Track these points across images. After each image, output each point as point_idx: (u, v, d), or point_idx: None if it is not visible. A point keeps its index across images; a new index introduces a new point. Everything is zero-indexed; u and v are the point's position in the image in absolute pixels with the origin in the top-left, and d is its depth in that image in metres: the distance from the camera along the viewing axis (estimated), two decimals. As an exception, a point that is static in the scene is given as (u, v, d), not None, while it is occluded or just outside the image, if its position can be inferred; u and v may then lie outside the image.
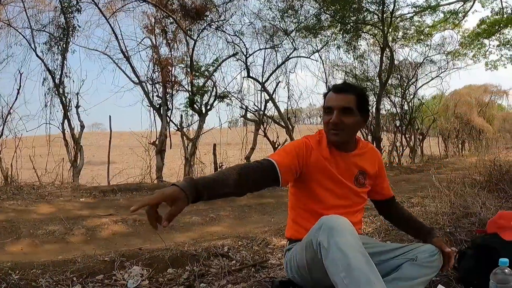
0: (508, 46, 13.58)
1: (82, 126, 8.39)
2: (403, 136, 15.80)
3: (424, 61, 15.00)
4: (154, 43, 8.99)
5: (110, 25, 8.49)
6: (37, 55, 8.15)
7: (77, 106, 8.41)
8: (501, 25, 12.69)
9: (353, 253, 1.36)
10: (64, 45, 8.43)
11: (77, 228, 4.39)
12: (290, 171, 1.65)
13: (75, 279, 2.05)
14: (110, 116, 9.07)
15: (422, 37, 13.68)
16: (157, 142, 8.77)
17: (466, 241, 2.66)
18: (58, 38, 8.44)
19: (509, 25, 12.56)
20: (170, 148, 9.17)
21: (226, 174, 1.44)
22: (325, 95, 1.81)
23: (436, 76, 15.79)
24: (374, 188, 1.95)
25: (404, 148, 15.97)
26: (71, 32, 8.43)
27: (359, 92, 1.78)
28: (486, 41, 13.95)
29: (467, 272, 1.94)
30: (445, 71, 15.61)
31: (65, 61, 8.35)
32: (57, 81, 8.26)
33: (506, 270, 1.41)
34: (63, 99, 8.27)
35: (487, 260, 1.69)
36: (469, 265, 1.94)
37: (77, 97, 8.44)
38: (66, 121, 8.26)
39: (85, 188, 7.06)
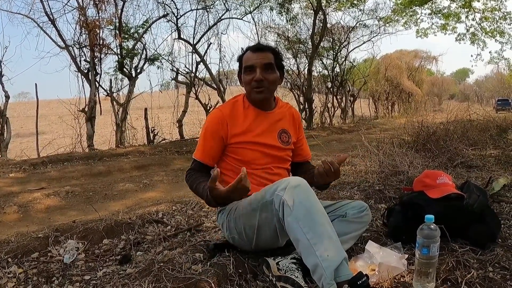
0: (439, 15, 14.13)
1: (7, 97, 7.95)
2: (334, 98, 16.34)
3: (357, 25, 15.42)
4: (81, 4, 8.49)
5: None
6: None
7: (1, 75, 7.91)
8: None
9: (316, 211, 1.48)
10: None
11: (8, 206, 4.21)
12: (216, 156, 1.83)
13: (10, 260, 1.98)
14: (36, 84, 8.62)
15: (355, 1, 13.90)
16: (86, 109, 8.49)
17: (395, 198, 2.76)
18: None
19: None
20: (100, 114, 8.88)
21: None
22: (240, 57, 1.86)
23: (368, 40, 16.41)
24: (296, 148, 2.01)
25: (336, 109, 16.57)
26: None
27: (274, 49, 1.87)
28: (418, 10, 14.39)
29: (396, 228, 2.02)
30: (376, 35, 16.27)
31: (-16, 27, 7.72)
32: (-24, 49, 7.59)
33: (432, 226, 1.49)
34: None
35: (414, 216, 1.78)
36: (397, 221, 2.03)
37: (0, 66, 7.95)
38: (-12, 92, 7.70)
39: (14, 163, 6.71)
